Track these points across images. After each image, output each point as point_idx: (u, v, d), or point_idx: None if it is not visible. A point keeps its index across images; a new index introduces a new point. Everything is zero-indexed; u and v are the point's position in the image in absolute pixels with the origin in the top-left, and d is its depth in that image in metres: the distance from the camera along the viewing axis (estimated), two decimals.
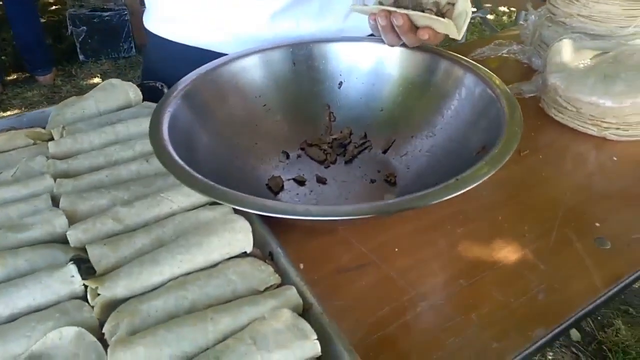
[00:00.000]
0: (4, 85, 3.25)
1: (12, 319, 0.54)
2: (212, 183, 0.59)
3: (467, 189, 0.55)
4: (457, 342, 0.56)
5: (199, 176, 0.60)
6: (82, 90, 3.28)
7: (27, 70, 3.35)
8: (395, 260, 0.66)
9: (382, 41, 0.86)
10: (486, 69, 0.80)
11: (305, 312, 0.55)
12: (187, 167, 0.61)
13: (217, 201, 0.58)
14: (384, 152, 0.87)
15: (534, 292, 0.62)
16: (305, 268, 0.64)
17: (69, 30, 3.58)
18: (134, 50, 3.77)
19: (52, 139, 0.83)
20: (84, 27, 3.54)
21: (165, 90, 0.94)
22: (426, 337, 0.57)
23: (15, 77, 3.40)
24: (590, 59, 0.97)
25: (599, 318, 1.68)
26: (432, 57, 0.86)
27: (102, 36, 3.61)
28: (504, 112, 0.70)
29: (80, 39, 3.58)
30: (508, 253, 0.67)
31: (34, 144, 0.82)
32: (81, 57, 3.65)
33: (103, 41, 3.63)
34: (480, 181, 0.56)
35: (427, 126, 0.83)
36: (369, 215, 0.53)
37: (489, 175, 0.56)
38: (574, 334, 1.63)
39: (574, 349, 1.59)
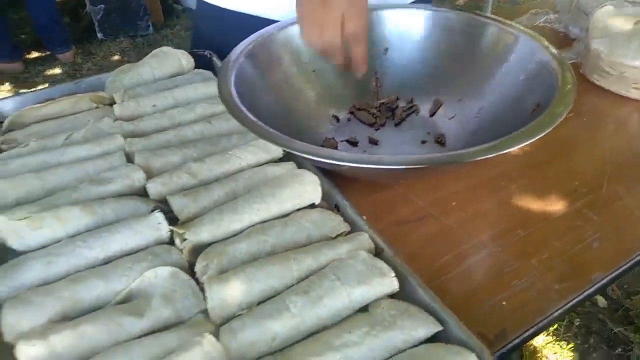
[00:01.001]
0: (26, 63, 3.30)
1: (108, 261, 0.59)
2: (289, 137, 0.63)
3: (537, 138, 0.58)
4: (520, 284, 0.60)
5: (275, 132, 0.64)
6: (102, 68, 3.34)
7: (47, 48, 3.40)
8: (453, 213, 0.70)
9: (426, 7, 0.89)
10: (534, 32, 0.83)
11: (377, 256, 0.59)
12: (262, 124, 0.64)
13: (297, 154, 0.62)
14: (432, 115, 0.90)
15: (589, 240, 0.65)
16: (366, 220, 0.68)
17: (87, 9, 3.60)
18: (150, 28, 3.79)
19: (112, 103, 0.87)
20: (102, 5, 3.56)
21: (215, 59, 0.98)
22: (489, 280, 0.61)
23: (36, 55, 3.45)
24: (634, 24, 0.99)
25: (625, 286, 1.72)
26: (480, 22, 0.89)
27: (119, 14, 3.64)
28: (555, 72, 0.73)
29: (98, 17, 3.60)
30: (561, 206, 0.71)
31: (96, 107, 0.87)
32: (100, 35, 3.68)
33: (121, 19, 3.66)
34: (546, 131, 0.59)
35: (475, 89, 0.86)
36: (444, 164, 0.57)
37: (554, 126, 0.60)
38: (601, 300, 1.67)
39: (600, 316, 1.64)
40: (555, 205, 0.71)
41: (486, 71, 0.86)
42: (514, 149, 0.60)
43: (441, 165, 0.59)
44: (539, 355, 1.56)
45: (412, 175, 0.72)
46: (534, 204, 0.71)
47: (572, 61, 1.07)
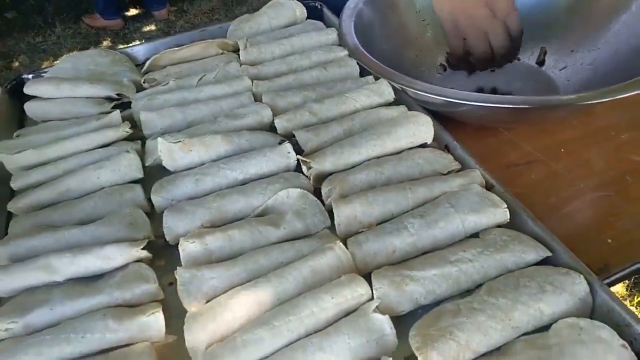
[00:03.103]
0: (125, 20, 3.56)
1: (245, 182, 0.70)
2: (412, 79, 0.69)
3: None
4: (625, 224, 0.64)
5: (400, 74, 0.70)
6: (194, 26, 3.53)
7: (143, 5, 3.63)
8: (561, 159, 0.74)
9: None
10: None
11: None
12: (385, 66, 0.71)
13: (422, 93, 0.69)
14: (540, 64, 0.92)
15: None
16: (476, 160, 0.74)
17: None
18: None
19: (235, 50, 0.98)
20: None
21: (325, 9, 1.06)
22: (595, 221, 0.65)
23: (134, 12, 3.71)
24: None
25: None
26: None
27: None
28: None
29: None
30: None
31: (222, 53, 0.97)
32: None
33: None
34: None
35: (589, 40, 0.87)
36: (561, 105, 0.62)
37: None
38: None
39: None
40: None
41: (602, 22, 0.86)
42: (627, 96, 0.63)
43: (558, 108, 0.63)
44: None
45: (526, 119, 0.76)
46: None
47: None
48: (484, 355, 0.49)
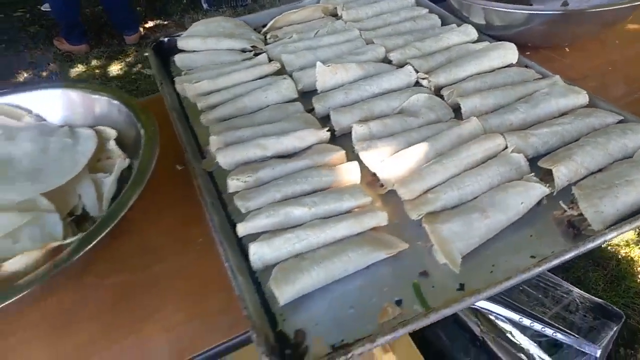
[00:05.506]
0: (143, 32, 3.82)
1: (380, 94, 0.94)
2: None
3: None
4: None
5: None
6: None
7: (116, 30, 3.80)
8: (608, 75, 1.00)
9: None
10: None
11: None
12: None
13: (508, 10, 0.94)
14: None
15: None
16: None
17: None
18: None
19: (334, 14, 1.24)
20: None
21: None
22: None
23: (151, 24, 3.97)
24: None
25: None
26: None
27: None
28: None
29: None
30: None
31: (322, 17, 1.23)
32: (205, 5, 4.15)
33: None
34: None
35: None
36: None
37: None
38: None
39: None
40: None
41: None
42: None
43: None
44: None
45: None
46: None
47: None
48: (591, 174, 0.73)
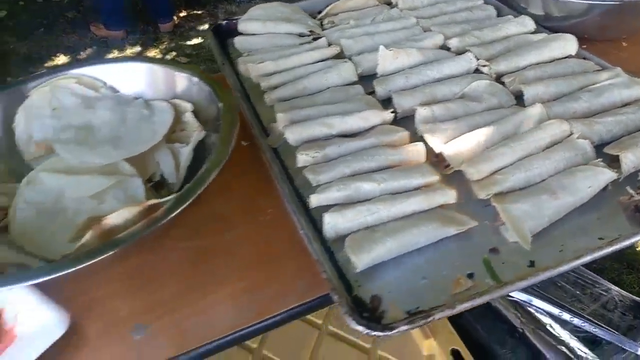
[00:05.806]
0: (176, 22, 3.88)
1: (441, 79, 0.96)
2: None
3: None
4: None
5: None
6: None
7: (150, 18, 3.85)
8: None
9: None
10: None
11: None
12: None
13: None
14: None
15: None
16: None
17: None
18: None
19: (388, 1, 1.26)
20: None
21: None
22: None
23: (185, 14, 4.03)
24: None
25: None
26: None
27: None
28: None
29: None
30: None
31: (377, 5, 1.25)
32: None
33: None
34: None
35: None
36: None
37: None
38: None
39: None
40: None
41: None
42: None
43: None
44: None
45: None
46: None
47: None
48: None
